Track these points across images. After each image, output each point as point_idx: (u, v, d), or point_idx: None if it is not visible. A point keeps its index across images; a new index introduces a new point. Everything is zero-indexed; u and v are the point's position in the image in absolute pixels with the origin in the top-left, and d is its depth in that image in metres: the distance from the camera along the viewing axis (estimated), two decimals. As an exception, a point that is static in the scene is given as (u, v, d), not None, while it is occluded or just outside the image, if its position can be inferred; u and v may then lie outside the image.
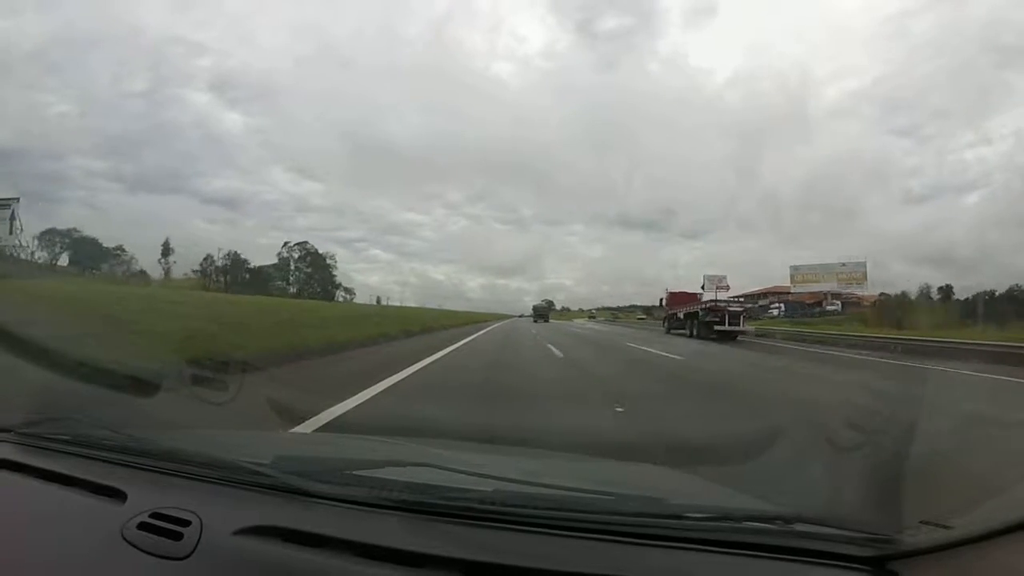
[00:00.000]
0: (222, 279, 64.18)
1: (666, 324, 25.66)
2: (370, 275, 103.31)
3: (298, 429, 3.07)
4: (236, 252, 67.69)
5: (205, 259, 65.63)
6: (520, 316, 73.23)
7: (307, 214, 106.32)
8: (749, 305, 23.26)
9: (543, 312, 53.70)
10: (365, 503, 0.95)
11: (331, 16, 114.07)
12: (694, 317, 21.50)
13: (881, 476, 1.59)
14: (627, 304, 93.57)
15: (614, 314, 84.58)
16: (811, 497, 1.48)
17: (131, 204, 72.52)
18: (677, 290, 28.32)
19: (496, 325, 28.22)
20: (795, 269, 45.88)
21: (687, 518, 0.91)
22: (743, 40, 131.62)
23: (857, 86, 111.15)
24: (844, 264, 43.77)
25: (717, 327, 19.87)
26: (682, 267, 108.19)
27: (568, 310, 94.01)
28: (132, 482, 1.06)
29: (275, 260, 70.75)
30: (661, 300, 29.25)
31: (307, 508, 0.96)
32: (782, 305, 44.50)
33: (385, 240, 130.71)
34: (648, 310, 77.82)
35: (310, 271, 71.39)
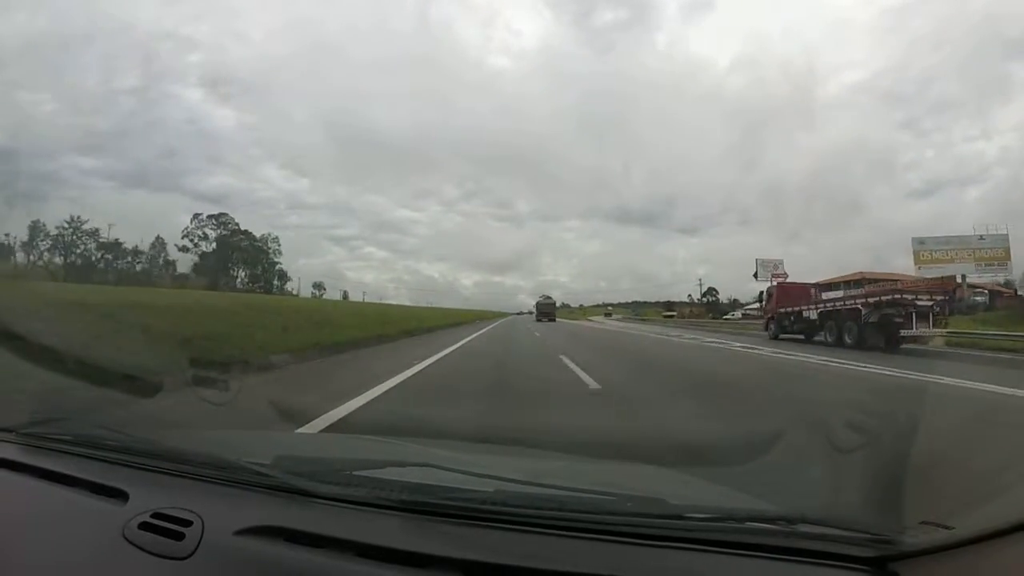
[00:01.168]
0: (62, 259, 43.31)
1: (772, 327, 18.73)
2: (365, 273, 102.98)
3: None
4: (77, 218, 44.58)
5: (31, 227, 42.91)
6: (518, 314, 65.69)
7: (300, 211, 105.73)
8: (939, 298, 13.83)
9: (548, 310, 43.65)
10: (366, 503, 0.96)
11: (322, 8, 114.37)
12: (847, 317, 14.36)
13: (882, 476, 1.59)
14: (629, 301, 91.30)
15: (637, 311, 75.85)
16: (812, 497, 1.48)
17: (120, 202, 69.38)
18: (790, 281, 22.39)
19: (487, 329, 21.71)
20: (920, 244, 32.51)
21: (688, 518, 0.91)
22: (740, 31, 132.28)
23: (858, 79, 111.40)
24: (982, 238, 31.54)
25: (905, 331, 12.95)
26: (680, 263, 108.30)
27: (568, 307, 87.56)
28: (134, 482, 1.06)
29: (186, 242, 51.32)
30: (762, 294, 22.64)
31: (309, 508, 0.96)
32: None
33: (379, 237, 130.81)
34: (671, 306, 71.84)
35: (232, 254, 53.33)
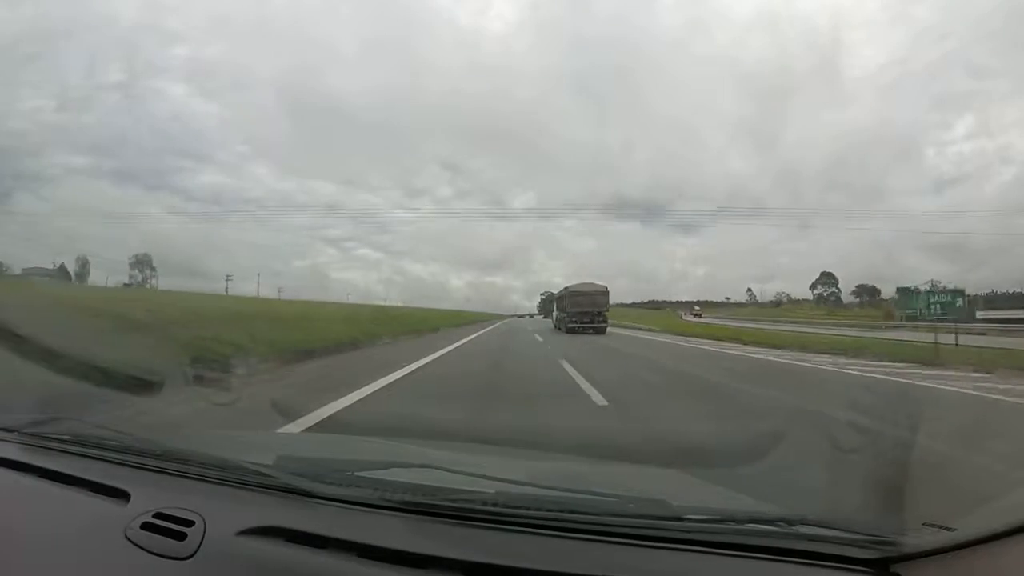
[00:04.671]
0: None
1: None
2: (353, 272, 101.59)
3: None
4: None
5: None
6: (519, 317, 55.16)
7: (292, 211, 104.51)
8: None
9: (590, 307, 20.32)
10: (368, 504, 0.96)
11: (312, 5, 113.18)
12: None
13: (884, 478, 1.59)
14: (645, 300, 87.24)
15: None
16: (813, 499, 1.48)
17: (112, 200, 67.92)
18: None
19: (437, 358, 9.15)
20: None
21: (689, 520, 0.91)
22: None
23: (861, 69, 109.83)
24: None
25: None
26: (679, 260, 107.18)
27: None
28: (136, 482, 1.06)
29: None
30: None
31: (310, 509, 0.96)
32: None
33: (371, 238, 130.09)
34: (876, 293, 45.31)
35: None
